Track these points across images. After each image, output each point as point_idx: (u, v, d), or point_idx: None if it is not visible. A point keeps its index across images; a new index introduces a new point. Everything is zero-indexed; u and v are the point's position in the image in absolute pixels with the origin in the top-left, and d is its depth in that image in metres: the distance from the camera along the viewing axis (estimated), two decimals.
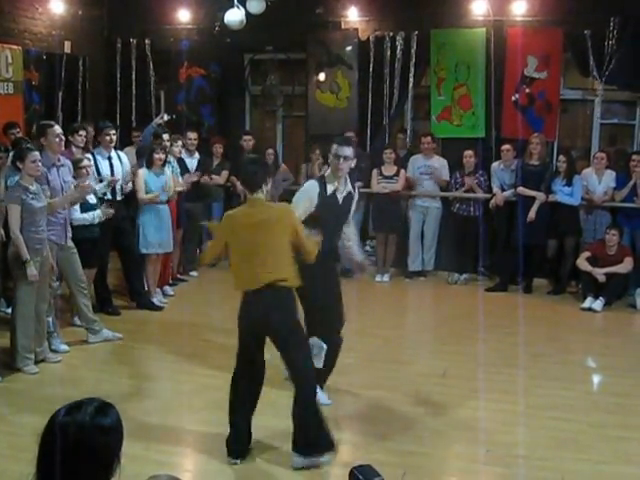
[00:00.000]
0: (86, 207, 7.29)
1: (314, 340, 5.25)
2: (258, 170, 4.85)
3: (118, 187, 8.13)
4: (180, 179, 9.08)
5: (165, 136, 9.00)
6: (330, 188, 5.51)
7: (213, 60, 11.52)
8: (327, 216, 5.40)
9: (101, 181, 7.89)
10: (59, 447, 2.24)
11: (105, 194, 7.90)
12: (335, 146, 5.45)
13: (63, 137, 6.85)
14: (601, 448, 5.02)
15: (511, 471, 4.70)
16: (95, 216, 7.34)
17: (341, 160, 5.40)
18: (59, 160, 6.76)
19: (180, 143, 9.36)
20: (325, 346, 5.32)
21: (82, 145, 8.21)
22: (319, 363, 5.23)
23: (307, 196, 5.40)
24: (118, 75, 11.79)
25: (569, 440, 5.12)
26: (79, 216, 7.19)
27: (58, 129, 6.76)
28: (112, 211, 7.52)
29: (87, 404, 2.34)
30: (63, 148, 6.97)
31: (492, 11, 10.06)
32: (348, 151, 5.46)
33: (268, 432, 5.12)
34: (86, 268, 7.13)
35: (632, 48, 9.58)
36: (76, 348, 6.98)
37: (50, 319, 6.70)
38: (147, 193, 8.30)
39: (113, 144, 8.26)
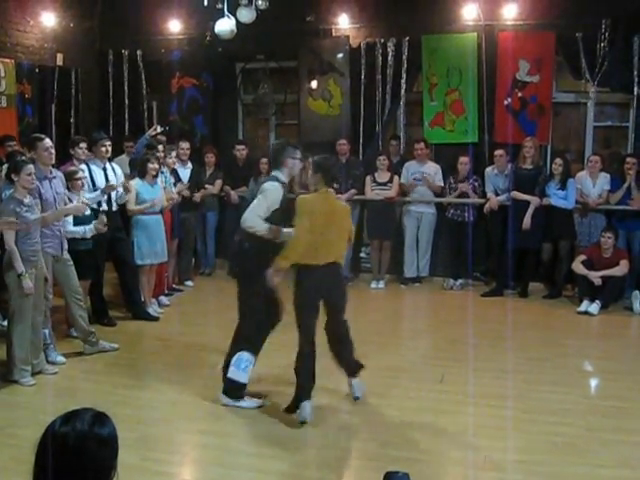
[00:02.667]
0: (79, 219, 7.27)
1: (243, 355, 5.73)
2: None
3: (114, 197, 8.13)
4: (173, 189, 9.07)
5: (160, 147, 9.01)
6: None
7: (205, 70, 11.54)
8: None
9: (95, 191, 7.88)
10: (57, 457, 2.24)
11: (100, 204, 7.90)
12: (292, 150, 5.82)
13: (53, 150, 6.83)
14: (599, 452, 5.00)
15: (509, 476, 4.69)
16: (87, 230, 7.31)
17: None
18: (51, 172, 6.75)
19: (174, 154, 9.36)
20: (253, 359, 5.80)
21: (84, 157, 8.20)
22: (245, 377, 5.76)
23: (272, 199, 5.59)
24: (110, 86, 11.83)
25: (567, 444, 5.11)
26: (71, 229, 7.16)
27: (48, 142, 6.75)
28: (104, 225, 7.47)
29: (83, 414, 2.33)
30: (52, 161, 6.95)
31: (483, 16, 10.10)
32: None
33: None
34: (81, 280, 7.12)
35: (624, 49, 9.62)
36: (73, 359, 6.96)
37: (46, 331, 6.69)
38: (140, 204, 8.29)
39: (108, 155, 8.25)
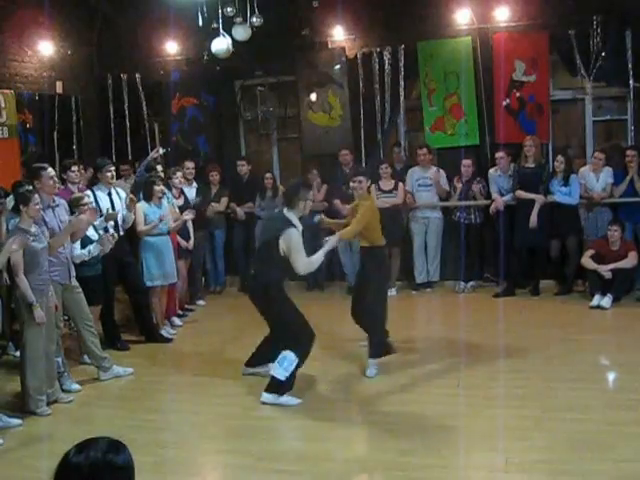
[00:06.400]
0: (86, 244, 7.26)
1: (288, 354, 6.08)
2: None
3: (119, 221, 8.12)
4: (177, 210, 9.05)
5: (159, 167, 9.01)
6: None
7: (204, 89, 11.57)
8: None
9: (101, 216, 7.89)
10: None
11: (107, 230, 7.90)
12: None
13: (57, 179, 6.86)
14: (621, 446, 4.96)
15: (532, 477, 4.66)
16: (92, 249, 7.26)
17: None
18: (53, 201, 6.76)
19: (180, 174, 9.36)
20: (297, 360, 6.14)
21: (77, 180, 8.21)
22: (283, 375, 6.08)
23: (298, 241, 6.15)
24: (111, 111, 11.88)
25: (588, 440, 5.07)
26: (77, 252, 7.12)
27: (52, 171, 6.76)
28: (110, 239, 7.43)
29: (97, 442, 2.33)
30: (57, 189, 6.97)
31: (476, 19, 10.12)
32: None
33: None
34: (90, 305, 7.10)
35: (618, 43, 9.63)
36: (88, 386, 6.94)
37: (59, 359, 6.68)
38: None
39: (114, 180, 8.27)
